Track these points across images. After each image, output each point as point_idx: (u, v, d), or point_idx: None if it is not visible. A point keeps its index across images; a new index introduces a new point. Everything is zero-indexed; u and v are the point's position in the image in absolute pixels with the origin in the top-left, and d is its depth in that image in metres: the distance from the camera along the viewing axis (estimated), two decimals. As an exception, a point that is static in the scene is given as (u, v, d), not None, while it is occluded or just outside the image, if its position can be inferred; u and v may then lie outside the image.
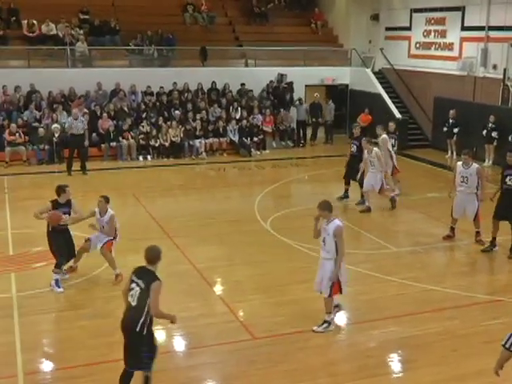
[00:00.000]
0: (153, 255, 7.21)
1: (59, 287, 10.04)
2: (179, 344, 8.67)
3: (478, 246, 12.57)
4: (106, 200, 10.60)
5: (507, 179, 11.67)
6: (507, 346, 6.15)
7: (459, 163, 12.56)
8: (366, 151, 14.91)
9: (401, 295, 10.16)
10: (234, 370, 7.88)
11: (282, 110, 23.61)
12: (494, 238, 12.14)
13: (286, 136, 23.36)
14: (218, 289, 10.61)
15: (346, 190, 15.92)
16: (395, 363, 8.25)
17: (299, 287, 10.39)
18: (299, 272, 11.08)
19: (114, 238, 10.70)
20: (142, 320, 6.72)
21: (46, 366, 7.98)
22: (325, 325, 8.90)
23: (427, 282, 10.63)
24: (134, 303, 6.85)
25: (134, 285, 6.95)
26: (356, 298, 10.11)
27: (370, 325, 9.11)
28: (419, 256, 12.10)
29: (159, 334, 8.80)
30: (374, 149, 14.97)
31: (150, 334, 6.85)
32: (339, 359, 8.26)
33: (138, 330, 6.71)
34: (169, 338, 8.78)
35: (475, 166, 12.33)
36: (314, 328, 8.84)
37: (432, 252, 12.49)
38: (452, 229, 12.94)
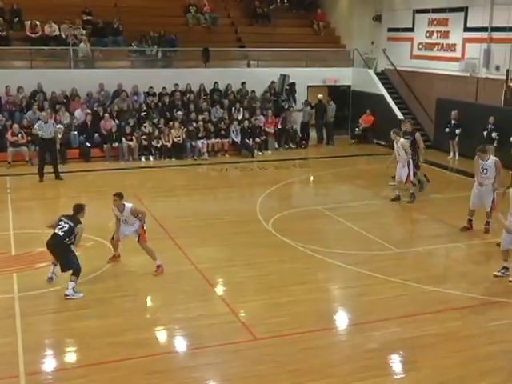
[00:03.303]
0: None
1: (79, 292, 9.96)
2: (181, 344, 8.68)
3: (480, 247, 12.62)
4: (120, 197, 10.78)
5: None
6: None
7: (476, 157, 13.10)
8: (394, 142, 15.56)
9: (402, 296, 10.14)
10: (236, 370, 7.88)
11: (289, 109, 23.59)
12: None
13: (289, 138, 23.35)
14: (220, 289, 10.61)
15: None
16: (396, 364, 8.25)
17: (301, 288, 10.39)
18: (301, 273, 11.10)
19: (143, 223, 10.94)
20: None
21: (48, 366, 7.99)
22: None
23: (429, 283, 10.62)
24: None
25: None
26: (357, 299, 10.13)
27: (372, 326, 9.11)
28: (421, 257, 12.10)
29: (161, 335, 8.85)
30: (401, 139, 15.47)
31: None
32: (340, 360, 8.26)
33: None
34: (170, 339, 8.80)
35: (493, 158, 12.95)
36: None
37: (434, 253, 12.49)
38: (469, 221, 13.34)
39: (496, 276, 10.88)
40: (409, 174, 15.48)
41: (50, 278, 10.40)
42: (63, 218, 10.15)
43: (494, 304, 9.96)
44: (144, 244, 10.91)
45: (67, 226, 10.01)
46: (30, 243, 12.18)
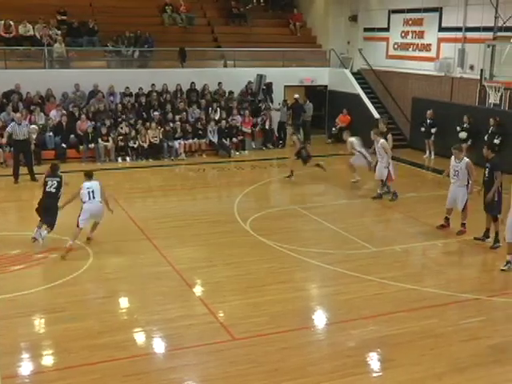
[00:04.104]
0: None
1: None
2: (159, 346, 8.64)
3: (456, 245, 12.77)
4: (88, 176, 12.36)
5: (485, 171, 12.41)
6: None
7: (452, 157, 13.19)
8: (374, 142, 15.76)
9: (380, 295, 10.21)
10: (215, 371, 7.87)
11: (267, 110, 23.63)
12: (487, 229, 12.68)
13: (267, 138, 23.39)
14: (198, 290, 10.59)
15: None
16: (374, 362, 8.30)
17: (279, 287, 10.42)
18: (279, 272, 11.12)
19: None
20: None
21: (25, 369, 7.90)
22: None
23: (406, 281, 10.71)
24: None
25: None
26: (335, 298, 10.18)
27: (350, 324, 9.16)
28: (398, 255, 12.20)
29: (138, 337, 8.81)
30: (381, 140, 15.61)
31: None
32: (319, 359, 8.28)
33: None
34: (148, 340, 8.75)
35: (465, 160, 12.99)
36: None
37: (410, 251, 12.61)
38: (446, 219, 13.47)
39: (503, 270, 11.19)
40: (389, 173, 15.59)
41: (35, 239, 11.92)
42: (49, 178, 12.21)
43: (469, 301, 10.07)
44: None
45: (55, 182, 12.14)
46: (5, 245, 12.01)
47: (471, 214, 13.04)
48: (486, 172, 12.34)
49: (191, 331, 8.86)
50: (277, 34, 27.32)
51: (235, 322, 9.10)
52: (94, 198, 11.98)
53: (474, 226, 12.84)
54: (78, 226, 11.80)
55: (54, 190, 12.05)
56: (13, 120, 18.17)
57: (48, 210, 12.07)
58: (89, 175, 12.34)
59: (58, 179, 12.24)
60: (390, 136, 16.45)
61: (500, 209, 12.22)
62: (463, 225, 13.20)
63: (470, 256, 12.39)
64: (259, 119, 23.29)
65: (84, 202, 11.97)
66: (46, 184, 12.17)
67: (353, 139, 17.29)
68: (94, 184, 12.22)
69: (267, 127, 23.33)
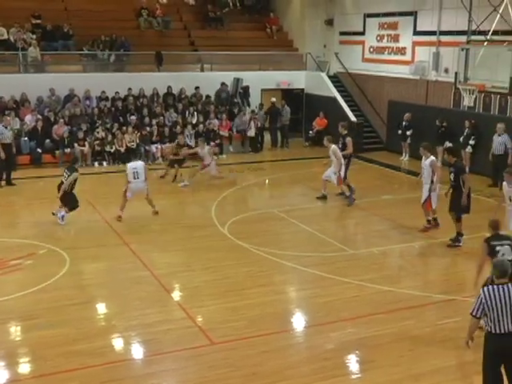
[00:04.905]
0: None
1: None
2: (137, 352, 8.58)
3: (433, 247, 12.88)
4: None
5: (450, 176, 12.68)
6: (474, 313, 6.51)
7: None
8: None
9: (358, 297, 10.26)
10: (193, 376, 7.85)
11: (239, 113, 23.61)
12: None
13: (247, 141, 23.41)
14: (177, 295, 10.56)
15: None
16: (353, 364, 8.34)
17: (257, 291, 10.42)
18: (257, 276, 11.13)
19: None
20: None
21: (1, 377, 7.77)
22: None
23: (383, 283, 10.77)
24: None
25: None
26: (313, 301, 10.20)
27: (328, 327, 9.19)
28: (375, 257, 12.26)
29: (116, 343, 8.74)
30: (332, 146, 15.76)
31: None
32: (298, 362, 8.29)
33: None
34: (126, 346, 8.69)
35: (431, 158, 13.37)
36: None
37: (388, 253, 12.68)
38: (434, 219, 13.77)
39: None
40: (339, 177, 15.71)
41: (54, 214, 13.70)
42: (65, 170, 13.83)
43: (445, 302, 10.17)
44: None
45: (66, 175, 13.55)
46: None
47: (443, 215, 13.12)
48: (452, 176, 12.55)
49: (169, 336, 8.82)
50: (253, 37, 27.35)
51: (214, 327, 9.08)
52: (138, 178, 14.15)
53: (452, 228, 12.93)
54: (125, 197, 14.19)
55: (64, 180, 13.54)
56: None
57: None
58: (135, 155, 15.73)
59: (69, 174, 13.59)
60: (349, 139, 16.31)
61: (468, 209, 12.44)
62: (428, 221, 13.53)
63: (445, 257, 12.49)
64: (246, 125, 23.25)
65: (129, 182, 14.12)
66: (63, 173, 13.88)
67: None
68: (138, 164, 14.34)
69: (253, 134, 23.30)
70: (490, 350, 6.52)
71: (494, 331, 6.42)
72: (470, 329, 6.66)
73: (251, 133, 23.18)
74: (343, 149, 16.03)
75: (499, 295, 6.38)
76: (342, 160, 15.72)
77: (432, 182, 13.21)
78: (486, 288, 6.51)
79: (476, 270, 8.69)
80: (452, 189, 12.66)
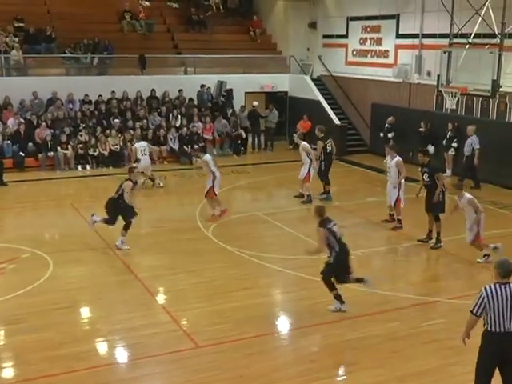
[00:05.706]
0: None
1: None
2: (122, 355, 8.54)
3: (417, 248, 12.93)
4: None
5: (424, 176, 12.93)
6: (474, 311, 6.49)
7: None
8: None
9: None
10: (179, 379, 7.83)
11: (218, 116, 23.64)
12: (429, 231, 13.04)
13: (231, 143, 23.42)
14: (161, 298, 10.52)
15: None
16: (338, 366, 8.35)
17: (242, 294, 10.42)
18: (242, 279, 11.12)
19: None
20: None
21: (-17, 383, 7.74)
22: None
23: (368, 285, 10.78)
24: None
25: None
26: (299, 303, 10.22)
27: (313, 329, 9.21)
28: (360, 260, 12.25)
29: (100, 347, 8.69)
30: (303, 142, 16.40)
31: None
32: (284, 364, 8.29)
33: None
34: (110, 350, 8.65)
35: (396, 158, 13.76)
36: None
37: (372, 255, 12.72)
38: (390, 215, 14.30)
39: (479, 262, 11.74)
40: (307, 175, 16.16)
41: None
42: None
43: (429, 304, 10.23)
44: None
45: (119, 185, 12.91)
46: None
47: (421, 215, 13.20)
48: (425, 176, 12.76)
49: (154, 340, 8.79)
50: (237, 40, 27.36)
51: (199, 330, 9.06)
52: (145, 154, 17.07)
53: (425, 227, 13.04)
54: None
55: (114, 194, 12.74)
56: None
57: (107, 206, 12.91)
58: (137, 137, 18.51)
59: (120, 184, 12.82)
60: (319, 143, 16.63)
61: (443, 208, 12.56)
62: (398, 221, 13.88)
63: (429, 259, 12.59)
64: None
65: (138, 161, 16.32)
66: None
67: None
68: (142, 143, 17.51)
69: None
70: (487, 348, 6.55)
71: (493, 330, 6.46)
72: (468, 326, 6.66)
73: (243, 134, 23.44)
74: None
75: (501, 294, 6.43)
76: (312, 156, 16.22)
77: (400, 182, 13.61)
78: (487, 286, 6.52)
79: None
80: (427, 189, 12.86)
